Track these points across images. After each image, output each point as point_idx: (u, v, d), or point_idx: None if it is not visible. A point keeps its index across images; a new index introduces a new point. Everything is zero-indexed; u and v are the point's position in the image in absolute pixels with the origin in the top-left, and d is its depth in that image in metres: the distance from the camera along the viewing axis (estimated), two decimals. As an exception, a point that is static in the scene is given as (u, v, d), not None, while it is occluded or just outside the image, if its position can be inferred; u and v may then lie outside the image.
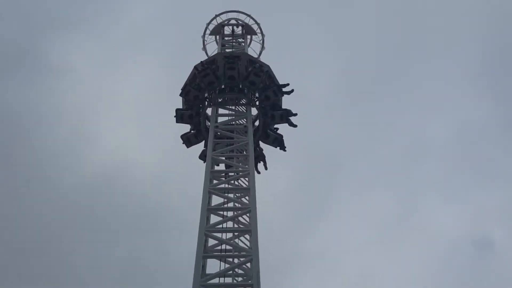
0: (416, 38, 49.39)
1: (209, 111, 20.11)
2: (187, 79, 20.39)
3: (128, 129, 46.18)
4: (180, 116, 20.14)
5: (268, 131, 20.26)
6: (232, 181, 17.54)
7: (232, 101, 20.08)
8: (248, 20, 23.70)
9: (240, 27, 23.42)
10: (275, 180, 41.18)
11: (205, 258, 14.89)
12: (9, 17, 47.13)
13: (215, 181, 17.51)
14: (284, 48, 40.21)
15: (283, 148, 20.36)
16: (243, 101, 20.26)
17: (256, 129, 19.86)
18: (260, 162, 20.07)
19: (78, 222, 37.10)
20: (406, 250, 43.20)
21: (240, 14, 23.78)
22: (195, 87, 20.06)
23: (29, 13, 47.88)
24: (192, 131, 20.35)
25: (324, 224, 42.87)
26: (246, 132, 19.14)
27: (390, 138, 47.44)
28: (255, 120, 20.00)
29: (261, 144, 20.48)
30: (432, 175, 46.43)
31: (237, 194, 17.25)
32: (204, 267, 14.79)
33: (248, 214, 16.26)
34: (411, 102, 48.78)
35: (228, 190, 17.21)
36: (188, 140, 20.35)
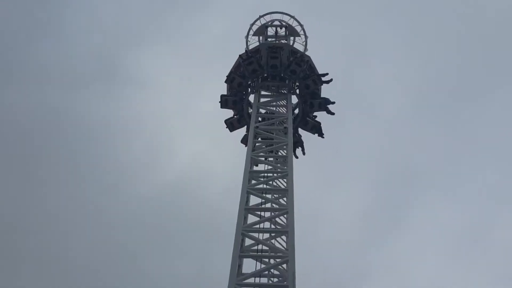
0: (494, 44, 47.24)
1: (251, 98, 21.18)
2: (232, 67, 21.56)
3: (203, 140, 46.20)
4: (225, 102, 21.34)
5: (307, 118, 21.32)
6: (271, 182, 17.58)
7: (274, 89, 21.15)
8: (291, 22, 23.71)
9: (283, 28, 23.47)
10: (349, 192, 41.41)
11: (241, 257, 14.95)
12: (91, 31, 48.52)
13: (253, 181, 17.57)
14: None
15: (321, 135, 21.40)
16: (284, 90, 21.16)
17: (296, 117, 20.83)
18: (298, 148, 21.10)
19: (148, 232, 37.44)
20: (478, 266, 41.66)
21: (284, 15, 23.81)
22: (240, 75, 21.22)
23: (109, 27, 48.98)
24: (235, 117, 21.52)
25: (395, 236, 42.14)
26: (286, 133, 19.25)
27: (469, 149, 45.76)
28: (295, 108, 20.97)
29: (300, 131, 21.50)
30: None
31: (275, 195, 17.28)
32: (240, 266, 14.84)
33: (285, 215, 16.28)
34: (492, 112, 46.13)
35: (266, 191, 17.26)
36: (232, 124, 21.58)
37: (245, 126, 21.24)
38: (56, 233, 36.54)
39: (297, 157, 20.51)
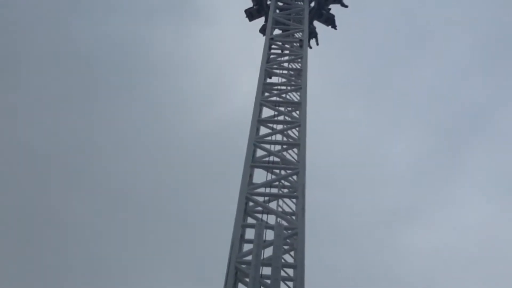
0: None
1: None
2: None
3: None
4: None
5: (322, 11, 22.37)
6: (284, 95, 17.50)
7: None
8: None
9: None
10: (411, 139, 40.77)
11: (252, 167, 15.10)
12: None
13: (266, 94, 17.50)
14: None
15: (334, 26, 22.64)
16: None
17: (311, 9, 21.97)
18: (312, 39, 22.12)
19: (208, 169, 36.82)
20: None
21: None
22: None
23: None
24: (254, 7, 22.46)
25: (451, 180, 40.76)
26: (301, 46, 19.06)
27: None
28: (310, 1, 22.04)
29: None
30: None
31: (288, 108, 17.23)
32: (251, 176, 15.01)
33: (297, 129, 16.32)
34: None
35: (279, 104, 17.22)
36: (251, 14, 22.54)
37: (263, 17, 22.23)
38: (112, 166, 36.72)
39: (311, 47, 21.36)
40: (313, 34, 22.17)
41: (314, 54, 21.72)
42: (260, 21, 22.53)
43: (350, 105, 41.56)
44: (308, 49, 19.76)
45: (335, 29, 22.67)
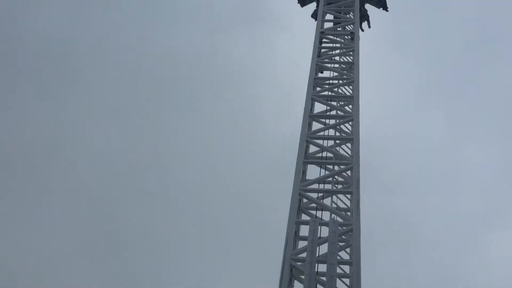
0: None
1: None
2: None
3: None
4: None
5: None
6: (336, 89, 17.26)
7: None
8: None
9: None
10: (490, 142, 39.89)
11: (305, 163, 14.95)
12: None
13: (318, 88, 17.30)
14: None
15: (385, 8, 22.35)
16: None
17: None
18: (364, 22, 21.85)
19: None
20: None
21: None
22: None
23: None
24: None
25: None
26: (352, 38, 18.77)
27: None
28: None
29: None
30: None
31: (340, 102, 17.00)
32: (304, 172, 14.88)
33: (350, 123, 16.06)
34: None
35: (331, 98, 16.98)
36: (303, 0, 22.50)
37: (315, 2, 22.06)
38: (188, 174, 36.65)
39: (363, 30, 21.21)
40: (364, 17, 21.90)
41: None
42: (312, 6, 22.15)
43: (428, 108, 40.89)
44: (360, 39, 19.39)
45: (387, 11, 22.36)
